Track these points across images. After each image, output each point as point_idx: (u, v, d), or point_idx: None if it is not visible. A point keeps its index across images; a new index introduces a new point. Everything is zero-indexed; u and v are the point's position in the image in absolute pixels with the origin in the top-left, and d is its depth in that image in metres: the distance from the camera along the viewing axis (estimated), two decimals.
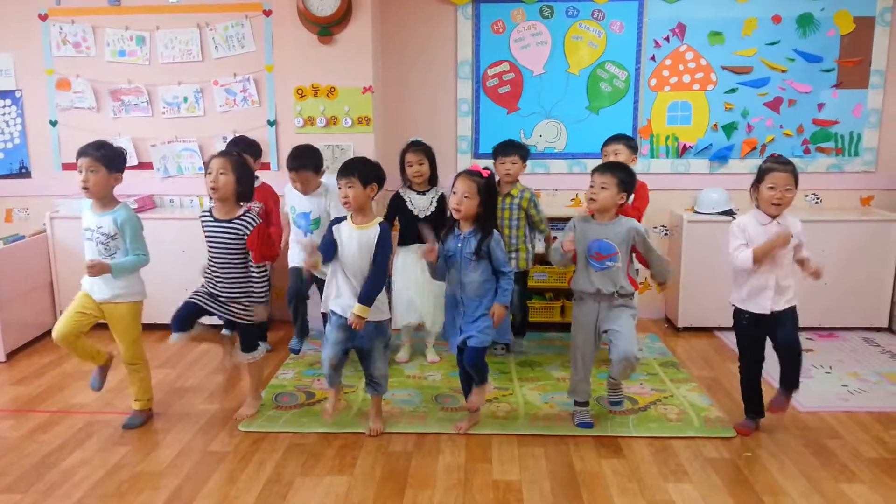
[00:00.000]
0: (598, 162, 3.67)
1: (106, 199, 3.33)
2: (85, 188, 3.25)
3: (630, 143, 4.07)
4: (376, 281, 3.19)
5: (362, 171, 3.19)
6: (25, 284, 4.66)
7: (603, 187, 3.24)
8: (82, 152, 3.26)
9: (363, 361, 3.35)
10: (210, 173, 3.30)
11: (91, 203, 3.35)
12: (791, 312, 3.22)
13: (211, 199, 3.39)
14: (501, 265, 3.19)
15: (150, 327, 4.58)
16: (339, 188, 3.21)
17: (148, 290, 3.48)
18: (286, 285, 4.21)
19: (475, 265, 3.17)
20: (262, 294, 3.40)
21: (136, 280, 3.41)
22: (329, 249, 3.21)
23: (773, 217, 3.16)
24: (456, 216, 3.21)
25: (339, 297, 3.25)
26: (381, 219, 3.27)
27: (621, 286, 3.27)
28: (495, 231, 3.20)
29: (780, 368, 3.28)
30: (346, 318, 3.19)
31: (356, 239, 3.18)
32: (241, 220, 3.32)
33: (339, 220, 3.28)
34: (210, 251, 3.38)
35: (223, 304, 3.38)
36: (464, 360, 3.31)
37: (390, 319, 3.39)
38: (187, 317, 3.38)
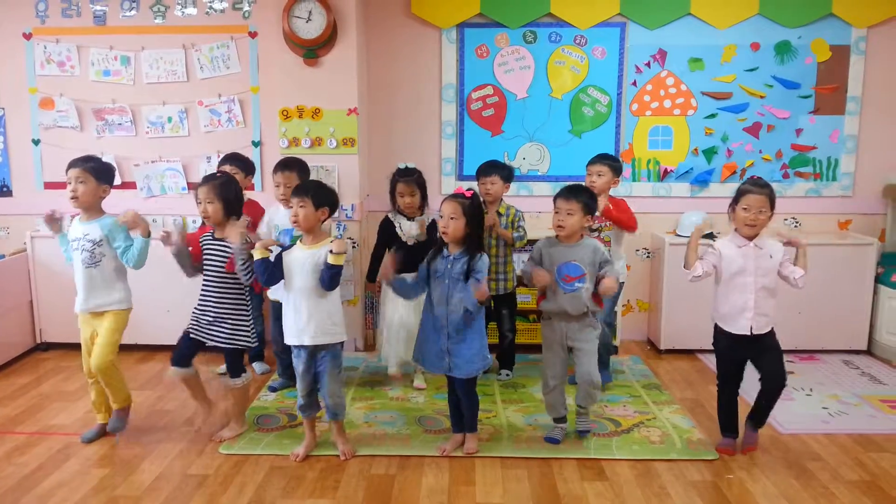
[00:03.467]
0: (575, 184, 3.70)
1: (93, 210, 3.39)
2: (73, 198, 3.32)
3: (614, 163, 4.06)
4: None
5: (317, 193, 3.22)
6: (5, 304, 4.60)
7: (569, 213, 3.30)
8: (72, 164, 3.35)
9: (319, 388, 3.33)
10: (199, 203, 3.37)
11: (80, 216, 3.40)
12: (772, 339, 3.27)
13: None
14: (476, 273, 3.17)
15: (130, 348, 4.59)
16: (291, 206, 3.23)
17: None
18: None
19: (462, 285, 3.18)
20: (248, 320, 3.45)
21: (125, 288, 3.45)
22: (273, 274, 3.24)
23: (750, 239, 3.20)
24: (445, 238, 3.24)
25: (297, 327, 3.24)
26: (332, 238, 3.27)
27: (587, 306, 3.32)
28: (485, 255, 3.23)
29: (756, 402, 3.34)
30: (310, 347, 3.24)
31: (308, 259, 3.19)
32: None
33: (289, 248, 3.29)
34: (205, 270, 3.41)
35: (212, 327, 3.39)
36: (455, 388, 3.35)
37: (343, 343, 3.36)
38: (186, 353, 3.44)
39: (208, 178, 3.44)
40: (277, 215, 4.08)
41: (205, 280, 3.42)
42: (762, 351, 3.26)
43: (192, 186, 5.03)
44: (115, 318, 3.42)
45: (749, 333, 3.21)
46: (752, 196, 3.15)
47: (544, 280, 3.29)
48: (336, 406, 3.33)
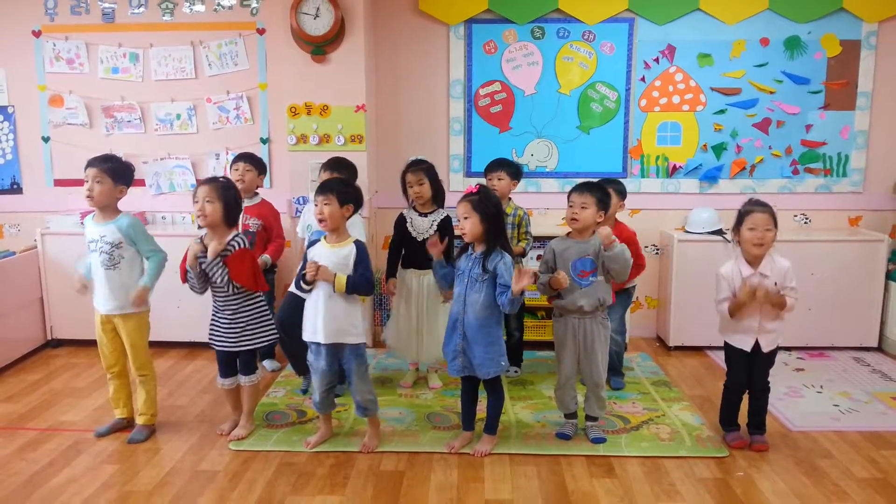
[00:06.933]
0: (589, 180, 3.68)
1: (108, 210, 3.39)
2: (89, 197, 3.32)
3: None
4: (360, 283, 3.20)
5: (340, 191, 3.22)
6: (16, 300, 4.63)
7: (583, 207, 3.31)
8: (90, 163, 3.34)
9: (349, 385, 3.37)
10: (197, 202, 3.31)
11: (93, 215, 3.40)
12: (772, 353, 3.35)
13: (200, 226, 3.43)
14: (499, 278, 3.15)
15: None
16: (316, 205, 3.24)
17: None
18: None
19: (480, 286, 3.18)
20: (263, 319, 3.44)
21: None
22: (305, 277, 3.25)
23: (757, 260, 3.21)
24: (465, 240, 3.24)
25: (315, 324, 3.25)
26: (355, 238, 3.29)
27: (602, 299, 3.34)
28: (507, 256, 3.17)
29: (749, 409, 3.42)
30: (330, 345, 3.24)
31: (331, 257, 3.21)
32: (230, 243, 3.32)
33: (312, 244, 3.31)
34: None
35: (231, 333, 3.38)
36: (486, 389, 3.36)
37: (365, 343, 3.36)
38: (224, 365, 3.48)
39: (210, 180, 3.40)
40: (309, 214, 3.98)
41: (214, 288, 3.39)
42: (760, 361, 3.34)
43: (200, 184, 5.02)
44: (137, 323, 3.43)
45: (750, 351, 3.30)
46: (756, 215, 3.19)
47: (564, 283, 3.26)
48: (366, 402, 3.33)
